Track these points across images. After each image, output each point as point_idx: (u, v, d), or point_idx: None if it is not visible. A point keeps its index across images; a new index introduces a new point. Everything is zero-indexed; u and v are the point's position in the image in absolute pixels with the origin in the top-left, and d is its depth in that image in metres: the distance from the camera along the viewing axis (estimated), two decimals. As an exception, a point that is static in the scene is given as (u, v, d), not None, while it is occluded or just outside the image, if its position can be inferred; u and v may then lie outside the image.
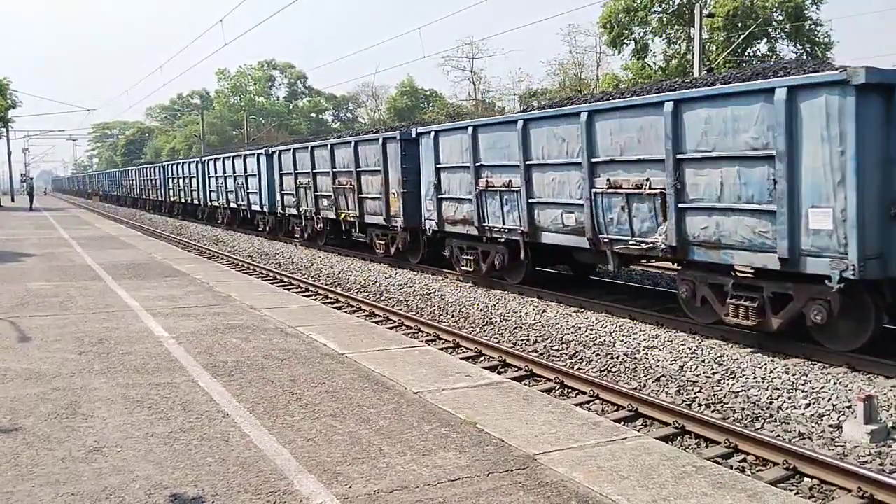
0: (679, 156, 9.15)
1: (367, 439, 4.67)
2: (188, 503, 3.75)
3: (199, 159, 36.47)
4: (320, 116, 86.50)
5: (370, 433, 4.78)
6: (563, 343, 9.74)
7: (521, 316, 11.37)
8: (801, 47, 31.49)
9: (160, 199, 44.33)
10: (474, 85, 55.28)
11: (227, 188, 30.07)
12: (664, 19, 33.97)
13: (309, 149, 20.80)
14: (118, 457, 4.38)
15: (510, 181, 12.26)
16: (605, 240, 10.56)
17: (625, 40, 34.59)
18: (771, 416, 6.94)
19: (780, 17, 31.17)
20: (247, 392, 5.71)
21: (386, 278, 15.57)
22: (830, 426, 6.58)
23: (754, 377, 7.90)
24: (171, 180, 40.54)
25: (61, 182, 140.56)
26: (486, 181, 12.89)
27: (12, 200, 58.23)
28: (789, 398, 7.26)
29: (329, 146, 19.65)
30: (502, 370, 8.55)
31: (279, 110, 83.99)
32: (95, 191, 74.63)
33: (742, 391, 7.57)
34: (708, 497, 3.78)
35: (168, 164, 42.06)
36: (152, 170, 46.93)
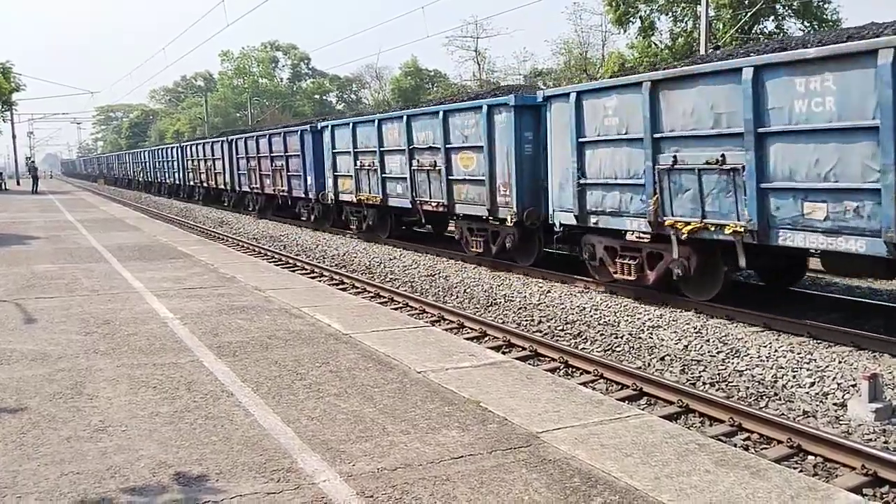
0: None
1: (370, 418, 4.68)
2: (193, 481, 3.77)
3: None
4: (324, 98, 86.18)
5: (374, 412, 4.79)
6: (567, 323, 9.74)
7: (525, 297, 11.37)
8: (808, 24, 31.12)
9: (295, 192, 22.80)
10: (479, 65, 54.91)
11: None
12: (670, -3, 33.55)
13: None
14: (123, 436, 4.40)
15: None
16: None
17: (630, 18, 34.20)
18: (775, 394, 6.93)
19: (788, -6, 30.75)
20: (251, 372, 5.73)
21: (391, 259, 15.58)
22: (835, 404, 6.58)
23: (759, 356, 7.89)
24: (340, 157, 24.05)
25: (73, 165, 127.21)
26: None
27: (18, 184, 58.30)
28: (794, 377, 7.26)
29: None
30: (506, 350, 8.56)
31: (283, 92, 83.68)
32: (129, 177, 58.45)
33: (747, 370, 7.57)
34: (710, 474, 3.78)
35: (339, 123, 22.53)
36: (268, 141, 24.50)
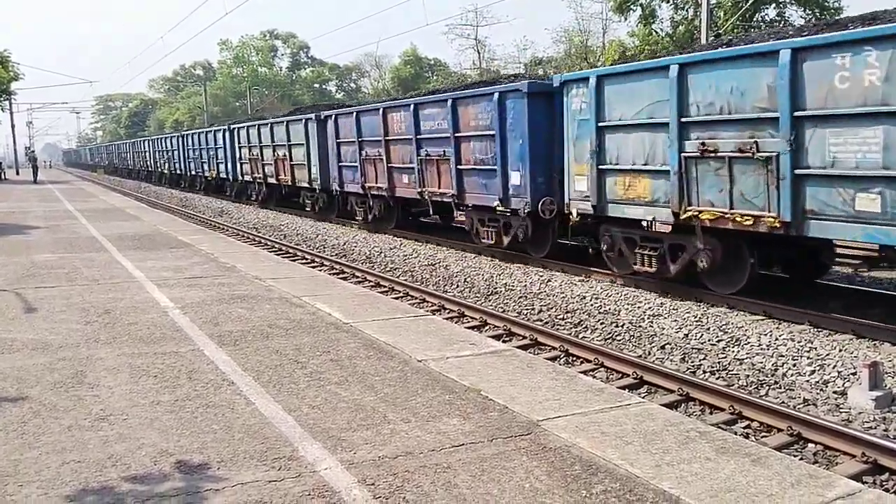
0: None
1: (371, 406, 4.68)
2: (194, 470, 3.78)
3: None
4: (323, 87, 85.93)
5: (375, 400, 4.80)
6: (567, 312, 9.74)
7: (525, 286, 11.36)
8: (810, 12, 30.96)
9: (476, 197, 13.97)
10: (479, 53, 54.72)
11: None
12: (671, -16, 33.34)
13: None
14: (124, 425, 4.41)
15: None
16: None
17: (631, 6, 34.04)
18: (776, 382, 6.94)
19: (790, -18, 30.55)
20: (252, 361, 5.73)
21: (391, 249, 15.57)
22: (835, 393, 6.58)
23: (759, 344, 7.89)
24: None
25: (77, 155, 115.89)
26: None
27: (17, 174, 58.22)
28: (794, 365, 7.26)
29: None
30: (507, 339, 8.56)
31: (282, 81, 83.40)
32: (149, 169, 48.64)
33: (747, 358, 7.57)
34: (711, 462, 3.78)
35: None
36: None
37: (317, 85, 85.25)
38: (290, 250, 16.14)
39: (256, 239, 18.27)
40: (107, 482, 3.64)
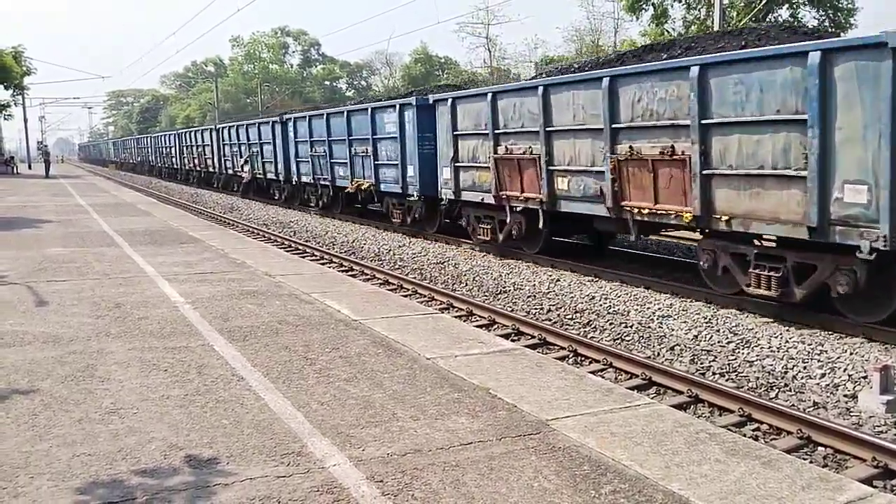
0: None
1: (380, 403, 4.69)
2: (203, 464, 3.79)
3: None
4: (334, 84, 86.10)
5: (384, 397, 4.80)
6: (576, 312, 9.72)
7: (534, 285, 11.34)
8: (823, 14, 30.73)
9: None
10: (490, 52, 54.68)
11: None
12: (684, -16, 33.17)
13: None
14: (134, 418, 4.43)
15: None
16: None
17: (643, 5, 33.91)
18: (786, 385, 6.91)
19: (803, -18, 30.33)
20: (261, 356, 5.75)
21: (400, 247, 15.58)
22: (846, 396, 6.54)
23: (770, 347, 7.85)
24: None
25: (96, 150, 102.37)
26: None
27: (29, 168, 58.60)
28: (804, 368, 7.22)
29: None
30: (516, 338, 8.55)
31: (293, 78, 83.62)
32: (207, 170, 34.99)
33: (757, 360, 7.54)
34: (721, 463, 3.77)
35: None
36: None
37: (327, 82, 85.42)
38: (300, 247, 16.17)
39: (266, 235, 18.32)
40: (117, 475, 3.66)
